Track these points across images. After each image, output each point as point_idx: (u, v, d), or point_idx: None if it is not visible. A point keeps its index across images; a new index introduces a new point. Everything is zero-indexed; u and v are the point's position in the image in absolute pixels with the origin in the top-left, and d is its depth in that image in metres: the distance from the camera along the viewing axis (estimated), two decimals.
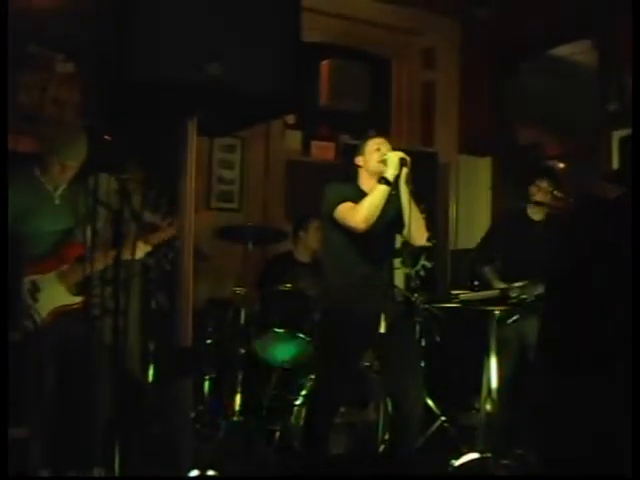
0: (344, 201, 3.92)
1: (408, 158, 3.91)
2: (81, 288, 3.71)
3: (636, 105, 3.98)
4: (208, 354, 4.75)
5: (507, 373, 4.85)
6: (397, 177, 3.89)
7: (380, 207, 3.88)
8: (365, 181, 4.09)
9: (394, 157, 3.91)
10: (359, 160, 4.12)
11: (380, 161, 3.97)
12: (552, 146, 6.55)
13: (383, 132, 6.86)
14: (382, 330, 3.88)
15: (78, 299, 3.78)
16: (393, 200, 3.95)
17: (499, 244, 5.12)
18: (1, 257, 3.43)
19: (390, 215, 4.00)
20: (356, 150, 4.18)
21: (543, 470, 2.20)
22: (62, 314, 3.79)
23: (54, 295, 3.80)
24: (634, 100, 4.17)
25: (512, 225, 5.16)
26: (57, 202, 3.91)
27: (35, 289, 3.80)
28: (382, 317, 3.91)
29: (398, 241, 4.38)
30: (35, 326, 3.78)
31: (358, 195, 3.99)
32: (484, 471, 4.07)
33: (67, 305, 3.80)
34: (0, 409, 3.07)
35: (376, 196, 3.87)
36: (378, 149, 4.04)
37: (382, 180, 3.88)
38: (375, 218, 3.87)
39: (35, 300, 3.80)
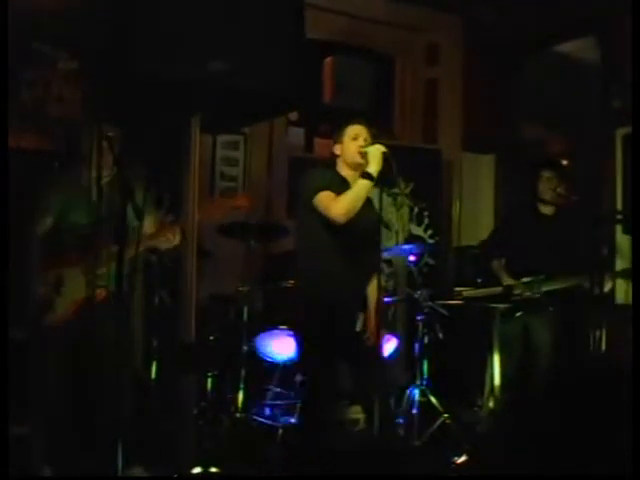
0: (325, 189, 3.77)
1: (388, 151, 3.77)
2: (102, 281, 3.71)
3: (636, 105, 3.98)
4: (211, 351, 4.75)
5: (511, 370, 4.85)
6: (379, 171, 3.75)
7: (362, 202, 3.76)
8: (344, 170, 3.95)
9: (376, 151, 3.75)
10: (337, 149, 3.96)
11: (359, 153, 3.83)
12: (555, 143, 6.55)
13: (386, 129, 6.92)
14: (358, 329, 3.85)
15: (99, 291, 3.76)
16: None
17: (508, 239, 5.09)
18: (1, 257, 3.43)
19: (370, 207, 3.91)
20: (334, 137, 4.01)
21: (543, 470, 2.21)
22: (82, 307, 3.78)
23: (77, 288, 3.80)
24: (634, 100, 4.16)
25: (522, 220, 5.13)
26: (94, 197, 3.92)
27: (59, 283, 3.83)
28: (361, 316, 3.89)
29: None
30: (51, 322, 3.81)
31: (338, 182, 3.86)
32: (485, 469, 4.07)
33: (88, 298, 3.79)
34: (0, 409, 3.08)
35: (358, 191, 3.74)
36: (356, 137, 3.90)
37: (365, 175, 3.74)
38: (355, 212, 3.74)
39: (58, 294, 3.82)
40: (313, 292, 3.85)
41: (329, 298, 3.80)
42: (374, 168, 3.73)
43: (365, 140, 3.90)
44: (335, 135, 4.00)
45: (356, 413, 4.58)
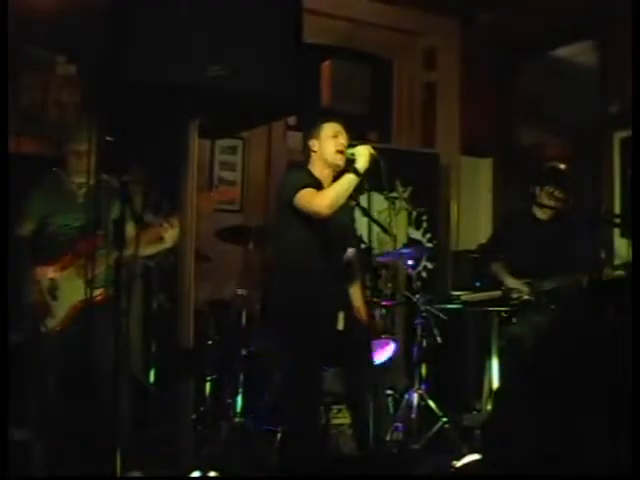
0: (304, 187, 3.75)
1: (377, 153, 3.74)
2: (98, 281, 3.70)
3: (636, 106, 3.98)
4: (209, 355, 4.75)
5: (515, 370, 4.83)
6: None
7: (347, 196, 3.73)
8: (318, 168, 3.92)
9: (364, 151, 3.73)
10: (313, 144, 3.93)
11: (338, 152, 3.82)
12: (553, 147, 6.55)
13: (384, 133, 6.93)
14: (340, 327, 3.79)
15: (97, 291, 3.74)
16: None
17: (505, 243, 5.09)
18: (1, 257, 3.43)
19: (347, 206, 3.89)
20: (310, 132, 3.97)
21: (542, 470, 2.21)
22: (80, 309, 3.78)
23: (73, 291, 3.79)
24: (634, 104, 4.17)
25: (518, 224, 5.13)
26: (80, 201, 3.93)
27: (54, 287, 3.82)
28: (341, 315, 3.82)
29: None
30: (49, 327, 3.80)
31: (314, 182, 3.84)
32: (484, 472, 4.07)
33: (85, 300, 3.79)
34: (1, 409, 3.08)
35: (344, 184, 3.70)
36: (335, 135, 3.88)
37: (352, 170, 3.70)
38: (340, 205, 3.72)
39: (54, 298, 3.82)
40: (292, 294, 3.83)
41: (307, 297, 3.79)
42: (362, 165, 3.70)
43: (344, 139, 3.88)
44: (311, 130, 3.96)
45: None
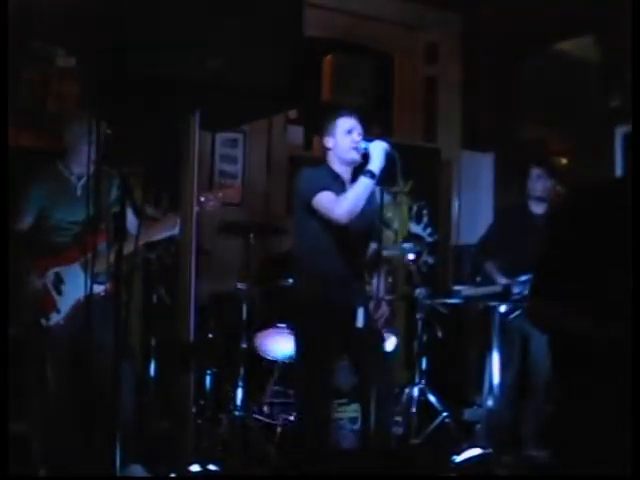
0: (322, 189, 3.67)
1: (390, 147, 3.64)
2: (104, 277, 3.69)
3: (636, 104, 3.97)
4: (210, 349, 4.75)
5: (509, 374, 4.81)
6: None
7: (363, 200, 3.62)
8: (336, 165, 3.84)
9: (378, 148, 3.63)
10: (328, 142, 3.84)
11: (354, 149, 3.72)
12: (555, 142, 6.54)
13: (385, 127, 6.91)
14: (359, 324, 3.66)
15: (101, 288, 3.74)
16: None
17: (501, 239, 5.06)
18: (1, 256, 3.42)
19: (367, 204, 3.73)
20: (324, 129, 3.87)
21: (542, 469, 2.20)
22: (83, 305, 3.76)
23: (78, 285, 3.77)
24: (634, 99, 4.15)
25: (513, 219, 5.11)
26: (79, 193, 3.92)
27: (59, 281, 3.81)
28: (360, 311, 3.68)
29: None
30: (53, 321, 3.79)
31: (333, 179, 3.77)
32: (485, 467, 4.07)
33: (91, 295, 3.78)
34: (1, 407, 3.07)
35: (360, 189, 3.61)
36: (350, 131, 3.77)
37: (367, 173, 3.61)
38: (358, 211, 3.63)
39: (59, 292, 3.81)
40: (313, 292, 3.77)
41: (330, 298, 3.72)
42: (377, 165, 3.62)
43: (359, 134, 3.79)
44: (325, 127, 3.87)
45: (354, 411, 4.58)
